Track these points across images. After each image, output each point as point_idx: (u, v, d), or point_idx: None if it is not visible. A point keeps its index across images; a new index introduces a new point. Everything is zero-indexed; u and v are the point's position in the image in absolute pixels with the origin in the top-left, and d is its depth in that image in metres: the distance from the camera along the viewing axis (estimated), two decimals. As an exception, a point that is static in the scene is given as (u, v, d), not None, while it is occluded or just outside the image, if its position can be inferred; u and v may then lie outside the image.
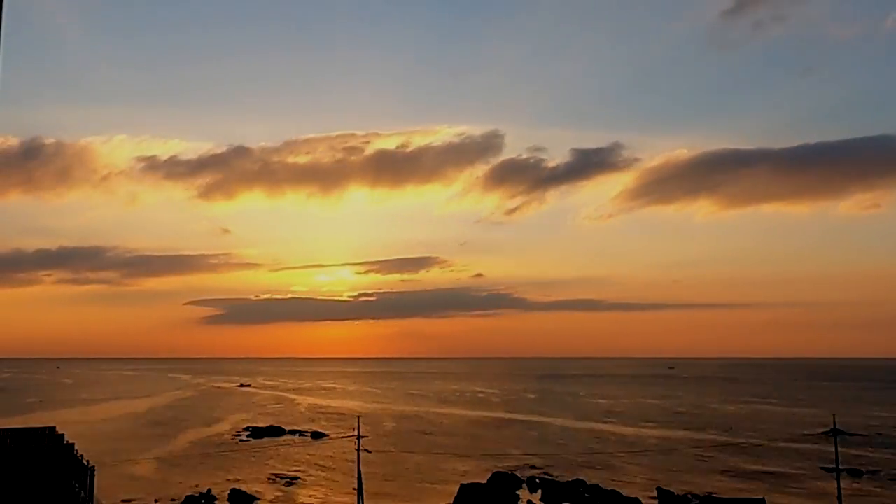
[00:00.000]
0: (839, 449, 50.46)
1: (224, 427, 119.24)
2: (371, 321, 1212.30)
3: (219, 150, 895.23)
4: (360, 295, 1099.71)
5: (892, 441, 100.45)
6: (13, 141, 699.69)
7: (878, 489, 67.47)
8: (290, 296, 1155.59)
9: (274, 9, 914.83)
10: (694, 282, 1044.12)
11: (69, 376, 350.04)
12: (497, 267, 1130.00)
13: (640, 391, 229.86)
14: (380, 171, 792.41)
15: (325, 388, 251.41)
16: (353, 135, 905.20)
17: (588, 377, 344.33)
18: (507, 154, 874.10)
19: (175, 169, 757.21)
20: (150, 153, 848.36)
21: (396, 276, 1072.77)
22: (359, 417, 61.37)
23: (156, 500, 61.26)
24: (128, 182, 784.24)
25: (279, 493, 65.22)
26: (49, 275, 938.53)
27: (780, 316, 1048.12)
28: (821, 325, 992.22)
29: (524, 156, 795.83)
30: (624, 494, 60.70)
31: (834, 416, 58.27)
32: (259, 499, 62.19)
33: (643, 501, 59.13)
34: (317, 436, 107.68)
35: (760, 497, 58.27)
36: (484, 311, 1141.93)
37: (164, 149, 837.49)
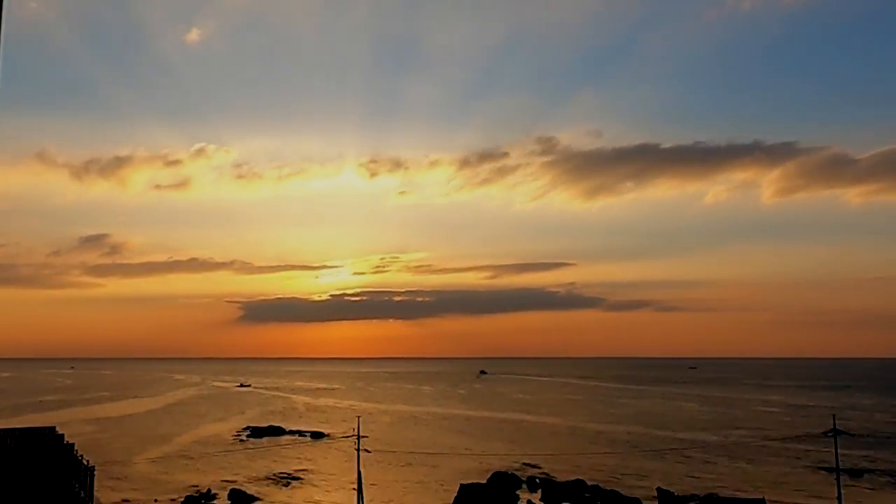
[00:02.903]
0: (839, 449, 50.46)
1: (226, 427, 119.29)
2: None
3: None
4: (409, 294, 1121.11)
5: (892, 441, 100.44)
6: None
7: (878, 489, 67.48)
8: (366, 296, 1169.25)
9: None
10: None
11: (70, 377, 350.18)
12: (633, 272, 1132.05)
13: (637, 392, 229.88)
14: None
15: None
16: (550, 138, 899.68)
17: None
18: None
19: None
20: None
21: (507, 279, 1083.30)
22: (359, 417, 61.29)
23: (156, 500, 61.23)
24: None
25: (279, 493, 65.20)
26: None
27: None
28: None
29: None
30: (624, 494, 60.68)
31: (834, 416, 58.22)
32: (259, 499, 62.18)
33: (643, 501, 59.12)
34: (317, 436, 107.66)
35: (760, 497, 58.28)
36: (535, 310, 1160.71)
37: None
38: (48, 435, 43.37)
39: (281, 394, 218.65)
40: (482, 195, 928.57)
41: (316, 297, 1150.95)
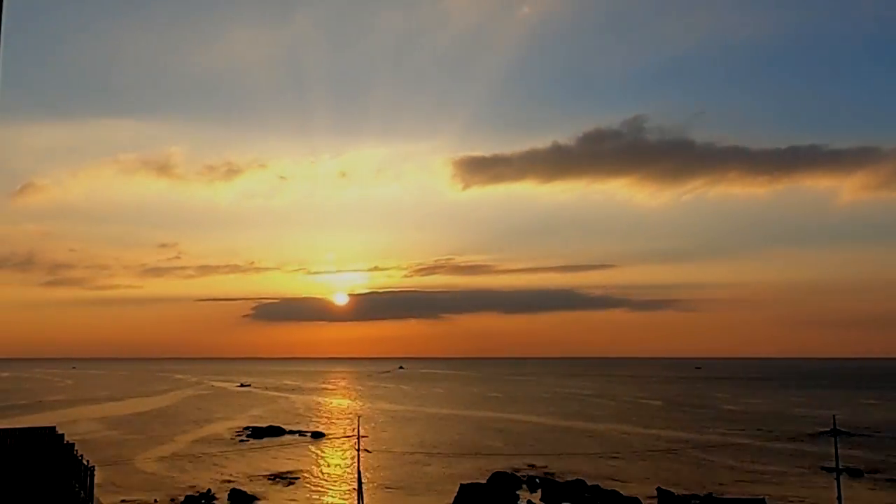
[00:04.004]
0: (839, 449, 50.46)
1: (226, 427, 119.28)
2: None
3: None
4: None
5: (892, 441, 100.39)
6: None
7: (878, 489, 67.47)
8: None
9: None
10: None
11: (70, 376, 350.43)
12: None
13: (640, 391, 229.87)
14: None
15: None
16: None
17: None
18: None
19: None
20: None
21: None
22: (359, 417, 61.37)
23: (156, 500, 61.23)
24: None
25: (279, 493, 65.20)
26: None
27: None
28: None
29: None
30: (624, 494, 60.65)
31: (834, 416, 58.24)
32: (259, 499, 62.19)
33: (643, 501, 59.09)
34: (317, 436, 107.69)
35: (760, 497, 58.30)
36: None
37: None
38: (48, 435, 43.30)
39: (280, 393, 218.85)
40: (562, 200, 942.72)
41: (343, 298, 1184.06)
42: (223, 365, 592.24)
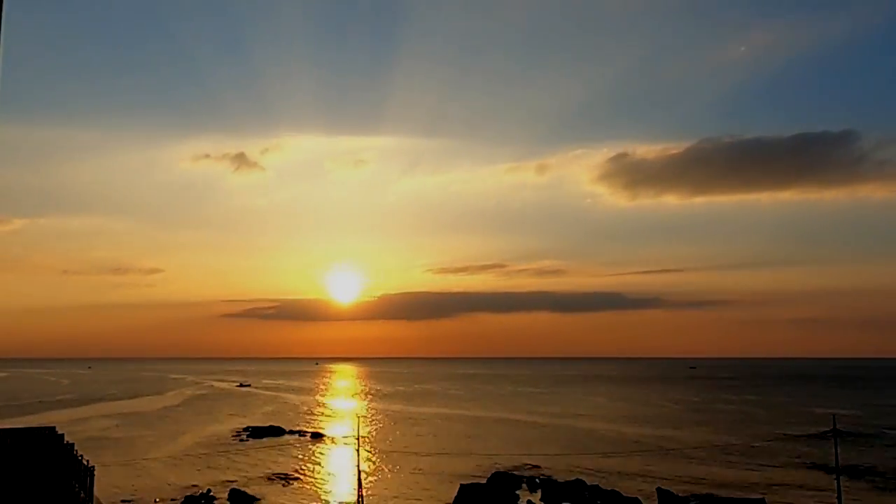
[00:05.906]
0: (839, 449, 50.43)
1: (226, 427, 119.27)
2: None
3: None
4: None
5: (892, 441, 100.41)
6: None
7: (878, 489, 67.44)
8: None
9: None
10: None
11: (69, 376, 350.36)
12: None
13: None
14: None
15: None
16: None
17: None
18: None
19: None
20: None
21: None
22: (358, 418, 61.35)
23: (156, 500, 61.21)
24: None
25: (279, 493, 65.16)
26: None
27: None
28: None
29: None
30: (624, 494, 60.62)
31: (834, 416, 58.21)
32: (259, 499, 62.14)
33: (643, 501, 59.07)
34: (317, 436, 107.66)
35: (760, 497, 58.28)
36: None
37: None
38: (48, 435, 43.35)
39: (279, 393, 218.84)
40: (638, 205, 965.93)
41: (364, 298, 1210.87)
42: (226, 365, 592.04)
